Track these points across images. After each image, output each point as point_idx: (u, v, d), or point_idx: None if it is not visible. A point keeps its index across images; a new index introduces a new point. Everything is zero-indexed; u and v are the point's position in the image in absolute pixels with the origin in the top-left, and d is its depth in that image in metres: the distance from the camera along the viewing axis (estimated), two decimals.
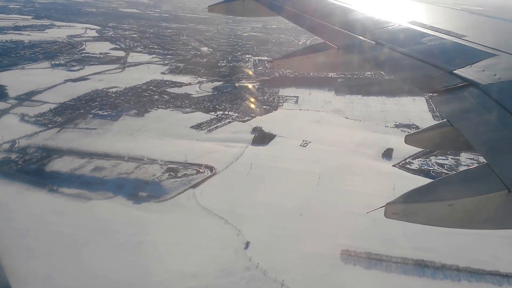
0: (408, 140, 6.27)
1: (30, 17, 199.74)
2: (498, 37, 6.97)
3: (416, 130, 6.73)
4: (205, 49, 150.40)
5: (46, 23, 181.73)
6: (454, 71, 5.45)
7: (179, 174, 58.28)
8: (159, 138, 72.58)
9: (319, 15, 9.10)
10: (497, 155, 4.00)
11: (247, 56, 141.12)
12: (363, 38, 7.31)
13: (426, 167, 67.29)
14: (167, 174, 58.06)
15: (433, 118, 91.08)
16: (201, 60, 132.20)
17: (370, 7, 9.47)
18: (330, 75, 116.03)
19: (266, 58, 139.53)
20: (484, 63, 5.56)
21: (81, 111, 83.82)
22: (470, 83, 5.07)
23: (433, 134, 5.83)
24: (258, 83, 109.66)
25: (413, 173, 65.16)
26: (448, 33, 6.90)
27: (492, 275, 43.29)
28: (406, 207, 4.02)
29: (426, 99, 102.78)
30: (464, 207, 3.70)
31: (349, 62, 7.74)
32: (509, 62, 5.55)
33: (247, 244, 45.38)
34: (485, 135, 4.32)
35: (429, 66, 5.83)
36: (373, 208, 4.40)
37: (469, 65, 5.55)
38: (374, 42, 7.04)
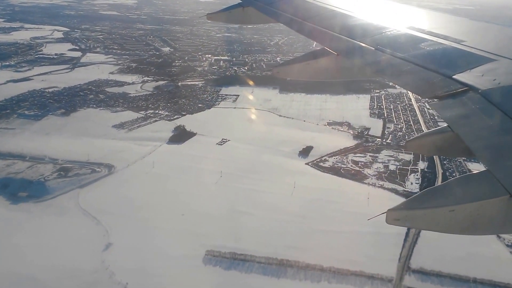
0: (408, 145, 6.39)
1: (3, 20, 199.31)
2: (497, 42, 6.89)
3: (416, 135, 6.79)
4: (166, 49, 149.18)
5: (15, 26, 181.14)
6: (454, 76, 5.42)
7: (70, 174, 56.73)
8: (75, 137, 71.13)
9: (318, 21, 9.04)
10: (497, 161, 3.98)
11: (207, 56, 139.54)
12: (362, 44, 7.31)
13: (339, 164, 65.38)
14: (56, 173, 56.53)
15: (370, 115, 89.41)
16: (157, 60, 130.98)
17: (368, 13, 9.39)
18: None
19: (226, 57, 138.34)
20: (484, 68, 5.53)
21: (8, 111, 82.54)
22: (469, 88, 5.05)
23: (433, 139, 5.85)
24: (203, 82, 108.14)
25: (323, 171, 63.22)
26: (447, 38, 6.87)
27: (357, 275, 41.30)
28: (407, 213, 3.95)
29: (370, 97, 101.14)
30: (466, 213, 3.70)
31: (348, 68, 7.65)
32: (509, 67, 5.51)
33: (107, 246, 43.72)
34: (486, 141, 4.31)
35: (428, 71, 5.82)
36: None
37: (469, 70, 5.53)
38: (374, 48, 7.02)
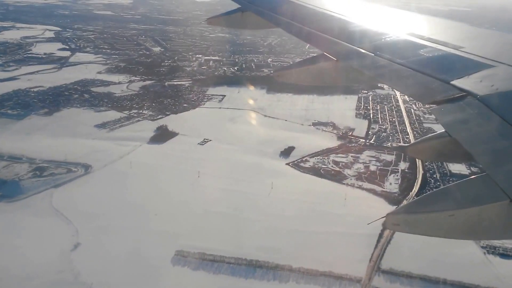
0: (409, 150, 6.57)
1: None
2: (495, 48, 6.95)
3: (416, 140, 7.01)
4: (157, 49, 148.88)
5: (7, 25, 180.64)
6: (452, 82, 5.44)
7: (45, 173, 56.26)
8: (55, 137, 70.66)
9: (318, 27, 9.06)
10: (496, 165, 3.98)
11: (197, 56, 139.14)
12: (362, 50, 7.37)
13: (320, 165, 65.03)
14: (32, 173, 56.07)
15: (356, 116, 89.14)
16: (146, 60, 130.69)
17: (368, 19, 9.43)
18: (269, 74, 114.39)
19: (216, 58, 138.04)
20: (482, 74, 5.56)
21: None
22: (468, 94, 5.08)
23: (432, 144, 5.96)
24: (190, 82, 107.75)
25: (303, 172, 62.88)
26: (446, 44, 6.93)
27: (326, 276, 40.94)
28: (407, 218, 3.97)
29: (358, 98, 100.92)
30: (466, 218, 3.68)
31: (348, 74, 7.65)
32: (507, 73, 5.55)
33: (75, 246, 43.28)
34: (484, 146, 4.31)
35: (427, 77, 5.84)
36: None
37: (467, 76, 5.55)
38: (373, 54, 7.07)
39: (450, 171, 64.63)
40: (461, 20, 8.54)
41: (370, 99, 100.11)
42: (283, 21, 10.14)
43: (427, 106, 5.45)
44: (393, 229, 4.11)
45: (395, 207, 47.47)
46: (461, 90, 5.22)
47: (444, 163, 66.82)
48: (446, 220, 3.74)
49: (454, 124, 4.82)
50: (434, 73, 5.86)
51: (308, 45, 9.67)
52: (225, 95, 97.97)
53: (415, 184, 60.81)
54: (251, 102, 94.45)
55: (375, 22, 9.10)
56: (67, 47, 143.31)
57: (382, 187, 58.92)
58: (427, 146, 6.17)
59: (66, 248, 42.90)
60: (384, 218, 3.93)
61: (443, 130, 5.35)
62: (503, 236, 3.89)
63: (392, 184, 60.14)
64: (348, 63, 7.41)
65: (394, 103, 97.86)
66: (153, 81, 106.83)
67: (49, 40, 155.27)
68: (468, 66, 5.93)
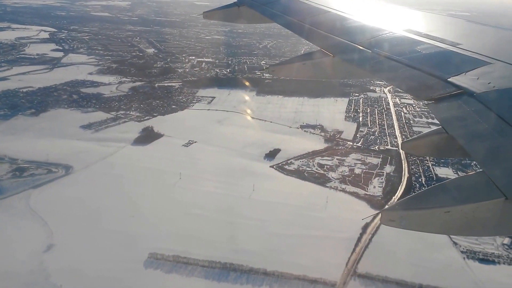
0: (404, 147, 6.58)
1: None
2: (493, 45, 6.96)
3: (412, 137, 6.91)
4: (150, 50, 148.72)
5: (2, 26, 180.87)
6: (449, 79, 5.46)
7: (25, 174, 55.78)
8: (40, 137, 70.22)
9: (314, 22, 9.01)
10: (492, 163, 4.01)
11: (190, 57, 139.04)
12: (358, 46, 7.34)
13: (304, 167, 64.53)
14: (11, 173, 55.60)
15: (345, 119, 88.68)
16: (138, 61, 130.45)
17: (365, 15, 9.37)
18: (260, 76, 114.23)
19: (209, 60, 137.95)
20: (479, 71, 5.58)
21: None
22: (464, 91, 5.12)
23: (429, 140, 6.06)
24: (181, 83, 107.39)
25: (286, 174, 62.35)
26: (443, 41, 6.94)
27: (300, 279, 40.38)
28: (403, 214, 3.96)
29: (348, 100, 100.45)
30: (461, 214, 3.72)
31: (344, 70, 7.70)
32: (504, 71, 5.57)
33: (49, 247, 42.74)
34: (480, 143, 4.34)
35: (424, 74, 5.86)
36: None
37: (464, 73, 5.56)
38: (370, 50, 7.05)
39: (436, 174, 64.16)
40: None
41: (361, 102, 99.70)
42: (278, 15, 10.05)
43: (424, 102, 5.40)
44: (389, 225, 3.93)
45: (377, 211, 47.01)
46: (458, 87, 5.23)
47: (430, 167, 66.48)
48: (442, 216, 3.75)
49: (450, 120, 4.80)
50: (431, 70, 5.83)
51: (303, 49, 9.27)
52: (215, 97, 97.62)
53: (400, 187, 60.31)
54: (240, 104, 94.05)
55: (372, 18, 8.97)
56: (61, 48, 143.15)
57: (366, 190, 58.39)
58: (423, 142, 6.18)
59: (39, 249, 42.34)
60: (379, 213, 3.92)
61: (440, 127, 5.37)
62: (498, 233, 4.16)
63: (376, 187, 59.62)
64: (344, 59, 7.36)
65: (384, 106, 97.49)
66: (143, 82, 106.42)
67: (44, 41, 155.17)
68: (465, 63, 5.91)
